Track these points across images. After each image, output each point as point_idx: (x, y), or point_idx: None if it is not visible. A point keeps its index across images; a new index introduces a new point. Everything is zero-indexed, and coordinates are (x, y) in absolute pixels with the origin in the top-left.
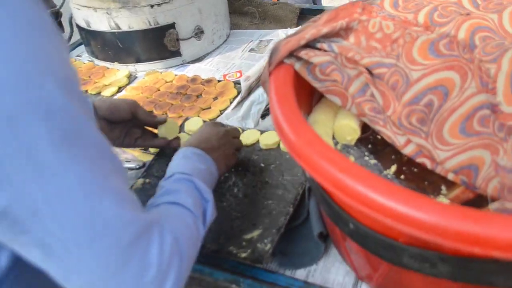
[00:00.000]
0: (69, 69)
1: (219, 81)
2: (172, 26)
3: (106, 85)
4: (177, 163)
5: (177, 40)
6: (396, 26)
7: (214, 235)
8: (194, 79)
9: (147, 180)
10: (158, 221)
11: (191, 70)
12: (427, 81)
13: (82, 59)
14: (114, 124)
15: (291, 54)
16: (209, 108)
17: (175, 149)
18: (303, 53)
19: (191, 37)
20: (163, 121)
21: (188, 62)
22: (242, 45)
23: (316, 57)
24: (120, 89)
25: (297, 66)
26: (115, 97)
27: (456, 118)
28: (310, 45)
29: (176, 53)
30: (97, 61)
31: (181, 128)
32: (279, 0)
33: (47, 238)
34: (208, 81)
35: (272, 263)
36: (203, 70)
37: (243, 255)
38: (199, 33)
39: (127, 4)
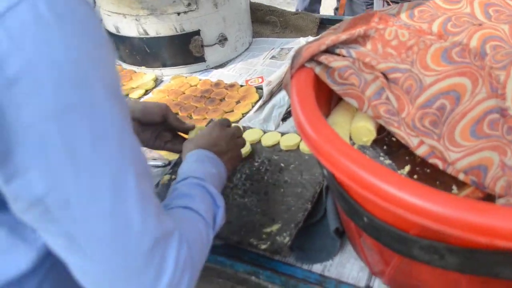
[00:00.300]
0: (115, 75)
1: (241, 86)
2: (197, 33)
3: (133, 88)
4: (190, 166)
5: (202, 46)
6: (411, 35)
7: (236, 228)
8: (217, 84)
9: (173, 177)
10: (178, 228)
11: (214, 75)
12: (440, 86)
13: None
14: (145, 126)
15: (312, 59)
16: (232, 111)
17: None
18: (323, 58)
19: (215, 43)
20: (192, 128)
21: (212, 68)
22: (264, 52)
23: (335, 61)
24: (147, 92)
25: (317, 70)
26: (142, 99)
27: (467, 121)
28: (329, 50)
29: (201, 59)
30: (125, 65)
31: None
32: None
33: (73, 229)
34: (231, 85)
35: (290, 257)
36: (226, 75)
37: (263, 246)
38: (223, 40)
39: (155, 11)
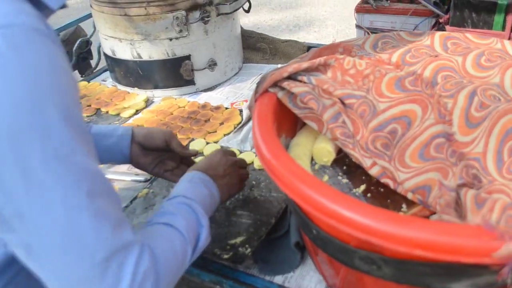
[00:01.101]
0: (72, 101)
1: (226, 108)
2: (188, 57)
3: (125, 108)
4: (183, 186)
5: (192, 70)
6: (367, 64)
7: None
8: (204, 106)
9: (151, 191)
10: (141, 242)
11: (203, 98)
12: (392, 112)
13: (107, 83)
14: (148, 151)
15: (276, 84)
16: (215, 131)
17: None
18: (285, 84)
19: (205, 68)
20: (194, 154)
21: (201, 91)
22: (252, 77)
23: (296, 87)
24: (137, 112)
25: (280, 94)
26: (132, 118)
27: (417, 145)
28: (292, 77)
29: (191, 82)
30: (120, 86)
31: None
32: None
33: (29, 240)
34: (217, 108)
35: (254, 268)
36: (213, 98)
37: (225, 256)
38: (212, 65)
39: (148, 36)
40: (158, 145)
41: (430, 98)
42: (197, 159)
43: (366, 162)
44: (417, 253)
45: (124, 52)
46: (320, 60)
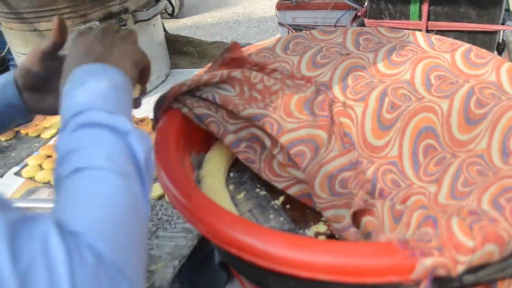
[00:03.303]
0: None
1: (152, 119)
2: None
3: (46, 127)
4: (65, 103)
5: None
6: (276, 80)
7: None
8: None
9: None
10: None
11: None
12: (300, 133)
13: None
14: (41, 89)
15: (178, 100)
16: None
17: None
18: (188, 102)
19: None
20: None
21: None
22: None
23: (198, 108)
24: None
25: (185, 110)
26: (54, 138)
27: (323, 174)
28: (196, 93)
29: None
30: None
31: None
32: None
33: None
34: (142, 120)
35: None
36: (139, 109)
37: (145, 285)
38: None
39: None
40: (40, 72)
41: (333, 127)
42: None
43: (279, 185)
44: (320, 277)
45: None
46: (223, 73)
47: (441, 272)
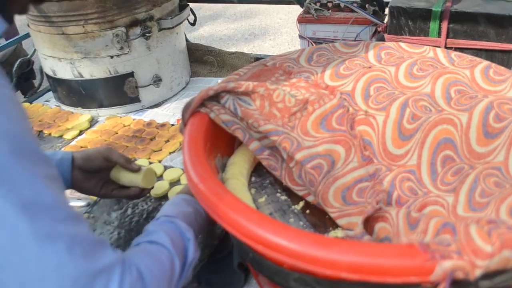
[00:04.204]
0: (23, 132)
1: (172, 125)
2: (131, 74)
3: (68, 129)
4: (165, 209)
5: (136, 87)
6: (297, 101)
7: None
8: (149, 123)
9: (91, 215)
10: (122, 260)
11: (149, 115)
12: (317, 149)
13: (50, 104)
14: (90, 174)
15: (205, 105)
16: (160, 150)
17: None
18: (215, 108)
19: (150, 84)
20: (137, 169)
21: (147, 107)
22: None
23: (224, 115)
24: (81, 133)
25: (212, 115)
26: (76, 140)
27: (338, 185)
28: (221, 102)
29: (136, 99)
30: (63, 106)
31: None
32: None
33: (3, 277)
34: (162, 125)
35: None
36: (160, 115)
37: None
38: (157, 81)
39: (88, 55)
40: (98, 165)
41: (353, 140)
42: None
43: (299, 193)
44: (344, 275)
45: (65, 71)
46: (249, 85)
47: (460, 275)
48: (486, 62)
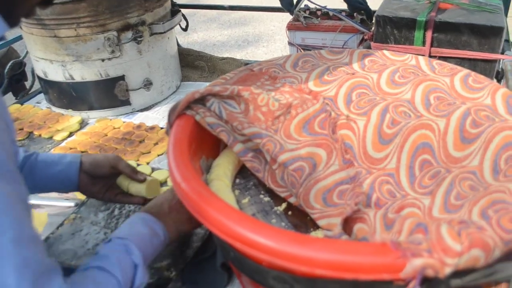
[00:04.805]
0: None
1: (161, 128)
2: (122, 78)
3: (58, 130)
4: (121, 228)
5: (127, 90)
6: (280, 105)
7: None
8: (139, 126)
9: (79, 215)
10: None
11: (138, 118)
12: (299, 152)
13: (41, 105)
14: (96, 179)
15: (191, 107)
16: (149, 152)
17: None
18: (200, 111)
19: (140, 88)
20: (142, 180)
21: (138, 110)
22: None
23: (209, 117)
24: (71, 134)
25: (198, 117)
26: (66, 141)
27: (319, 188)
28: (206, 105)
29: (126, 102)
30: (54, 108)
31: None
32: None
33: None
34: (152, 128)
35: None
36: (150, 118)
37: (150, 280)
38: (148, 84)
39: (80, 57)
40: (104, 172)
41: (335, 143)
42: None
43: (281, 195)
44: (319, 272)
45: (56, 73)
46: (234, 89)
47: (430, 272)
48: (466, 71)
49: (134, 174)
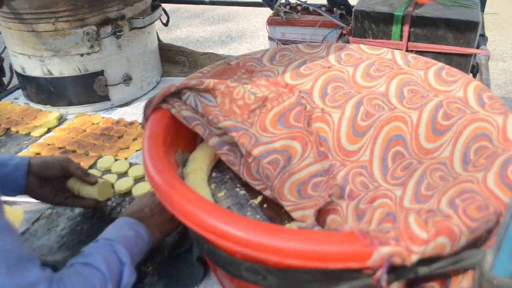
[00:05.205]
0: None
1: (140, 123)
2: (101, 73)
3: (36, 126)
4: (106, 231)
5: (106, 85)
6: (256, 98)
7: None
8: (118, 122)
9: (55, 211)
10: (49, 279)
11: (118, 113)
12: (274, 145)
13: (19, 101)
14: (45, 181)
15: (167, 101)
16: (128, 148)
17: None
18: (176, 104)
19: (120, 83)
20: (94, 182)
21: (117, 106)
22: None
23: (185, 111)
24: (49, 130)
25: (173, 111)
26: (44, 137)
27: (294, 180)
28: (182, 98)
29: (105, 98)
30: (32, 104)
31: (94, 166)
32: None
33: None
34: (131, 123)
35: (158, 285)
36: (129, 113)
37: None
38: (127, 79)
39: (58, 52)
40: (54, 173)
41: (309, 136)
42: (106, 176)
43: (256, 187)
44: (288, 262)
45: (34, 69)
46: (210, 83)
47: (397, 260)
48: (440, 64)
49: (85, 176)
